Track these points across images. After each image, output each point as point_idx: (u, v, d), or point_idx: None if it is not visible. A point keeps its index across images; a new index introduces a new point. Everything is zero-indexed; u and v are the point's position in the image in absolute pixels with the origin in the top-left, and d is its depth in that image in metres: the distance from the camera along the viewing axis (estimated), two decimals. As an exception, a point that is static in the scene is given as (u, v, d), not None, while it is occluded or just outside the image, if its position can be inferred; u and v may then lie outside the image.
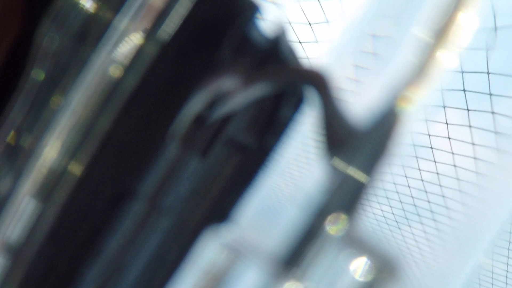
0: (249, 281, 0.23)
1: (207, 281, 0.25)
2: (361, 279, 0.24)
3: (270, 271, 0.23)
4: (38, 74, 0.32)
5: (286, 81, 0.28)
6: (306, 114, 0.27)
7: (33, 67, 0.31)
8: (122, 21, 0.30)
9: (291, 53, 0.30)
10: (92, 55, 0.30)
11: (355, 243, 0.24)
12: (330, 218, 0.24)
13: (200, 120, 0.31)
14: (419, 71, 0.24)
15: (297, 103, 0.29)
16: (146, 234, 0.30)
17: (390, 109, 0.24)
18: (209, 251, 0.26)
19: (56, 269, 0.29)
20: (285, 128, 0.29)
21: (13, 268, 0.28)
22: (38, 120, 0.32)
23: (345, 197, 0.24)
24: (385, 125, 0.24)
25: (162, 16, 0.30)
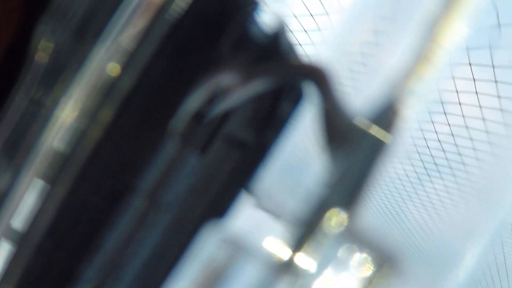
0: (247, 276, 0.24)
1: (205, 277, 0.25)
2: (362, 274, 0.24)
3: (268, 266, 0.24)
4: (36, 71, 0.32)
5: (285, 77, 0.28)
6: (306, 109, 0.27)
7: (31, 64, 0.30)
8: (121, 17, 0.30)
9: (290, 48, 0.30)
10: (90, 52, 0.30)
11: (356, 238, 0.24)
12: (331, 212, 0.24)
13: (199, 116, 0.30)
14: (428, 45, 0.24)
15: (296, 98, 0.29)
16: (145, 230, 0.30)
17: (391, 102, 0.24)
18: (207, 246, 0.26)
19: (56, 265, 0.29)
20: (285, 124, 0.29)
21: (14, 261, 0.28)
22: (37, 116, 0.32)
23: (346, 191, 0.25)
24: (386, 117, 0.24)
25: (161, 11, 0.30)
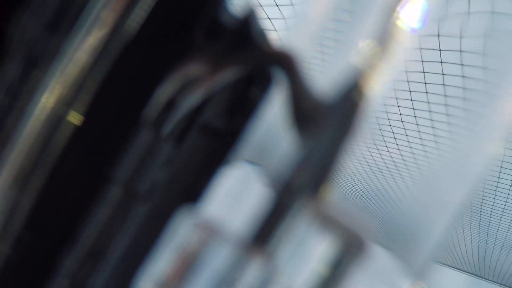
0: (221, 259, 0.24)
1: (180, 261, 0.25)
2: (330, 256, 0.24)
3: (239, 249, 0.24)
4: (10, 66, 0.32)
5: (255, 64, 0.29)
6: (275, 94, 0.28)
7: (6, 58, 0.30)
8: (93, 9, 0.30)
9: (261, 34, 0.30)
10: (64, 44, 0.30)
11: (325, 219, 0.25)
12: (299, 193, 0.24)
13: (172, 104, 0.31)
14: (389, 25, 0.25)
15: (266, 83, 0.29)
16: (122, 219, 0.30)
17: (354, 83, 0.24)
18: (182, 231, 0.26)
19: (33, 257, 0.29)
20: (255, 110, 0.29)
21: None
22: (12, 108, 0.32)
23: (314, 172, 0.25)
24: (351, 97, 0.25)
25: (133, 2, 0.30)
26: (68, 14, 0.31)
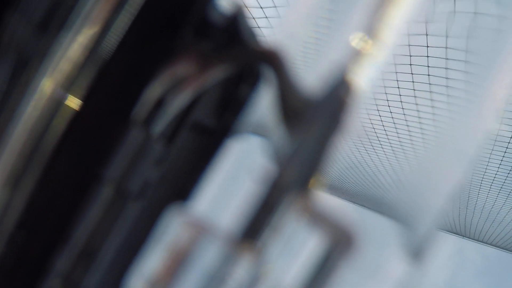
0: (211, 256, 0.24)
1: (171, 258, 0.25)
2: (319, 252, 0.25)
3: (229, 246, 0.24)
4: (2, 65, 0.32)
5: (244, 62, 0.29)
6: (264, 91, 0.28)
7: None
8: (83, 9, 0.30)
9: (250, 32, 0.31)
10: (54, 44, 0.30)
11: (314, 215, 0.25)
12: (288, 190, 0.24)
13: (162, 103, 0.31)
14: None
15: (254, 80, 0.29)
16: (113, 218, 0.30)
17: (342, 78, 0.25)
18: (172, 229, 0.27)
19: (26, 258, 0.29)
20: (243, 107, 0.29)
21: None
22: (2, 108, 0.32)
23: (303, 168, 0.25)
24: (339, 92, 0.25)
25: (122, 2, 0.30)
26: (58, 14, 0.31)
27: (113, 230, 0.30)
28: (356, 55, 0.25)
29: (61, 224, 0.30)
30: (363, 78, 0.25)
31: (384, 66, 0.24)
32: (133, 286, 0.27)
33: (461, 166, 0.24)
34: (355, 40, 0.25)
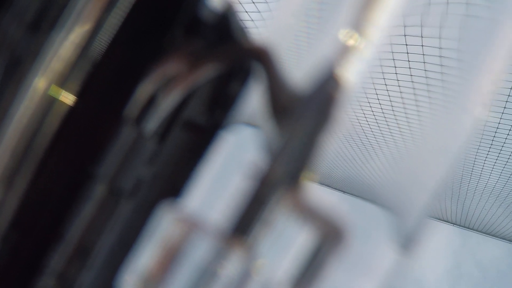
0: (202, 251, 0.24)
1: (163, 254, 0.26)
2: (309, 246, 0.25)
3: (220, 241, 0.24)
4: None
5: (234, 60, 0.29)
6: (253, 87, 0.28)
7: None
8: (74, 9, 0.30)
9: (240, 29, 0.31)
10: (46, 44, 0.30)
11: (304, 210, 0.25)
12: (277, 185, 0.25)
13: (154, 101, 0.31)
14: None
15: (244, 77, 0.29)
16: (107, 216, 0.30)
17: (330, 74, 0.25)
18: (164, 225, 0.27)
19: (20, 256, 0.29)
20: (234, 104, 0.29)
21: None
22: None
23: (293, 163, 0.25)
24: (328, 87, 0.25)
25: (113, 0, 0.30)
26: (49, 15, 0.31)
27: (106, 228, 0.30)
28: (344, 50, 0.25)
29: (54, 223, 0.30)
30: (352, 73, 0.25)
31: (373, 61, 0.24)
32: (126, 282, 0.27)
33: (450, 156, 0.24)
34: (344, 35, 0.26)
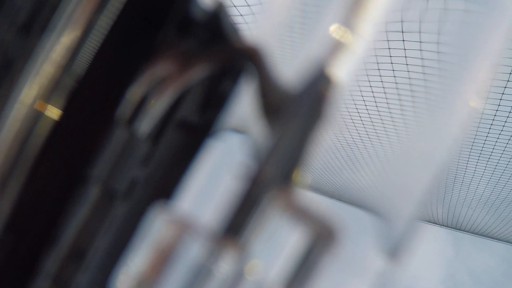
0: (195, 252, 0.24)
1: (156, 256, 0.26)
2: (301, 247, 0.25)
3: (213, 242, 0.24)
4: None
5: (226, 59, 0.29)
6: (245, 86, 0.28)
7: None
8: (65, 10, 0.30)
9: (231, 28, 0.30)
10: (37, 46, 0.30)
11: (295, 210, 0.25)
12: (269, 185, 0.24)
13: (145, 102, 0.31)
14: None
15: (235, 76, 0.29)
16: (101, 218, 0.30)
17: (321, 72, 0.25)
18: (156, 227, 0.27)
19: (15, 259, 0.29)
20: (226, 103, 0.29)
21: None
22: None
23: (284, 163, 0.25)
24: (318, 87, 0.25)
25: (103, 2, 0.30)
26: (40, 17, 0.31)
27: (100, 230, 0.30)
28: (335, 48, 0.25)
29: (49, 225, 0.30)
30: (342, 71, 0.25)
31: (364, 58, 0.24)
32: (120, 283, 0.28)
33: (440, 158, 0.24)
34: (335, 32, 0.25)
